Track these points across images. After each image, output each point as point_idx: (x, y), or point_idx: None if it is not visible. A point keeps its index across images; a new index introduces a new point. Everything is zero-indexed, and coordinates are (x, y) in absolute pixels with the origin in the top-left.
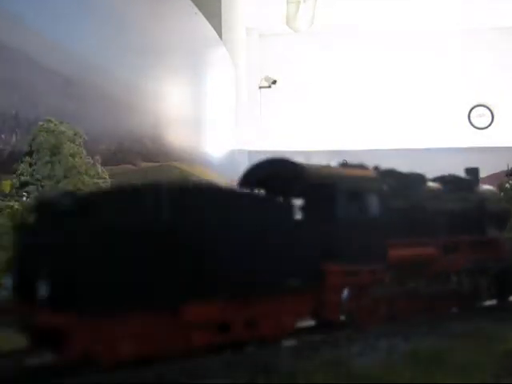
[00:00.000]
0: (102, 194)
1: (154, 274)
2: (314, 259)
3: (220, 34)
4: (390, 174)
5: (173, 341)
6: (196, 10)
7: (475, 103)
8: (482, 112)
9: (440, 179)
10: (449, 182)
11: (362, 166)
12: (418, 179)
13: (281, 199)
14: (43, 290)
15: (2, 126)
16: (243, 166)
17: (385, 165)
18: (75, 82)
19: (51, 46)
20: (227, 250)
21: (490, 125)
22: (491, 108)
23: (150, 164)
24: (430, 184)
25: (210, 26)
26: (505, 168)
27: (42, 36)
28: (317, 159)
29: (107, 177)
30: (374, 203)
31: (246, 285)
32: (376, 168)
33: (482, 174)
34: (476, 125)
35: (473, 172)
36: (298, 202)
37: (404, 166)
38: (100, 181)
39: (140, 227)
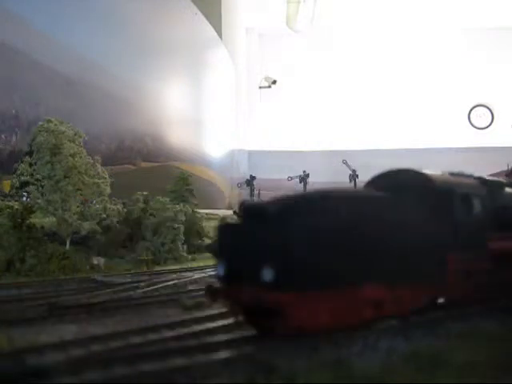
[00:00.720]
0: (300, 200)
1: (344, 261)
2: (440, 250)
3: (220, 34)
4: (480, 181)
5: (352, 314)
6: (196, 10)
7: (475, 103)
8: (482, 112)
9: (510, 185)
10: None
11: (462, 174)
12: (499, 184)
13: (417, 204)
14: (267, 275)
15: (2, 125)
16: (243, 165)
17: (385, 165)
18: (75, 81)
19: (52, 46)
20: (387, 245)
21: (490, 125)
22: (491, 108)
23: (150, 164)
24: (507, 188)
25: (210, 26)
26: (505, 168)
27: (42, 36)
28: (317, 159)
29: (107, 176)
30: (479, 205)
31: (397, 272)
32: (470, 175)
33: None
34: (476, 125)
35: None
36: (426, 206)
37: (404, 166)
38: (100, 180)
39: (329, 226)
